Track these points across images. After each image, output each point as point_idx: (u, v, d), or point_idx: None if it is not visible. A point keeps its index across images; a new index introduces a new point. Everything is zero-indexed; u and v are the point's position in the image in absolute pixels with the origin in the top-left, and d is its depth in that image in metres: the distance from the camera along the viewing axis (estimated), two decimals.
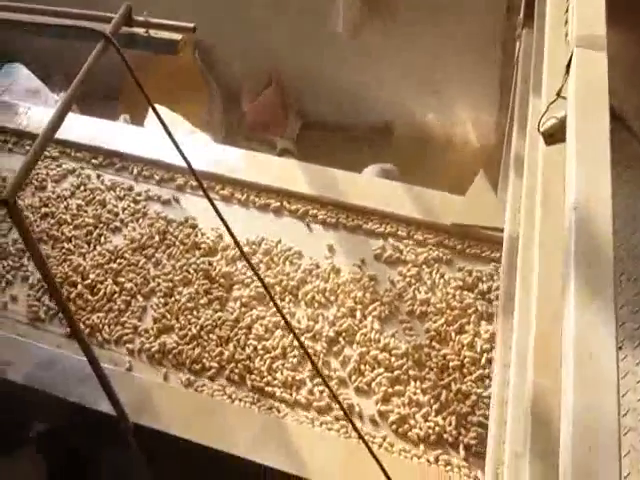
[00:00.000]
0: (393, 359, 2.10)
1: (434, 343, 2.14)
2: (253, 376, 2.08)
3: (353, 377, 2.10)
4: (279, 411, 2.02)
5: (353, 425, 1.62)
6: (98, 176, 2.70)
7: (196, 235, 2.47)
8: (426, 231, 2.41)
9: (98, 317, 2.23)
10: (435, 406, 2.01)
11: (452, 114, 4.06)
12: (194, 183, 2.54)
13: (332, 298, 2.27)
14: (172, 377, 2.13)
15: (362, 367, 2.09)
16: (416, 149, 4.09)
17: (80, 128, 2.79)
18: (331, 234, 2.43)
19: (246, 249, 2.38)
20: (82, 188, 2.66)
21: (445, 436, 1.96)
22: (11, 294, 2.33)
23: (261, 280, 1.61)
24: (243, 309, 2.22)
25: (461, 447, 1.95)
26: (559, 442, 1.03)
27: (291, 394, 2.06)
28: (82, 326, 2.20)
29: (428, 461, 1.90)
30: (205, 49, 4.19)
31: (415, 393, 2.03)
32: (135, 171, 2.69)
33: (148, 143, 2.73)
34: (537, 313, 1.31)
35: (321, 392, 2.05)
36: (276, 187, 2.57)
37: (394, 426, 1.99)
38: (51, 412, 2.30)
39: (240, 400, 2.05)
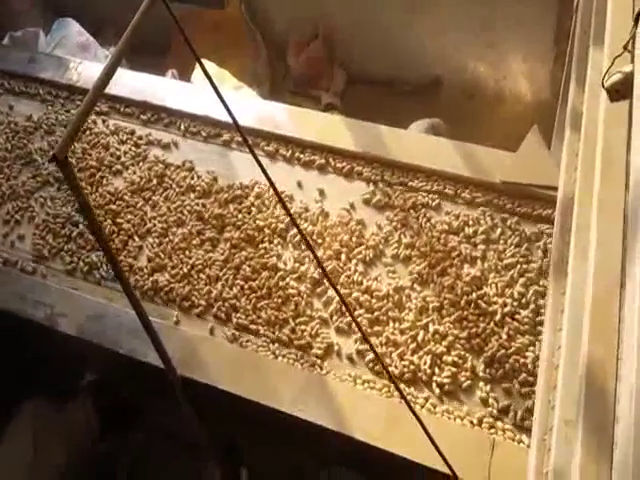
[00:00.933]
0: (374, 301, 2.15)
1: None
2: (239, 314, 2.17)
3: (334, 317, 2.16)
4: (321, 368, 2.04)
5: (396, 386, 1.62)
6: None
7: (192, 178, 2.55)
8: (474, 189, 2.35)
9: (97, 256, 2.32)
10: (412, 346, 2.06)
11: (505, 67, 3.96)
12: (240, 139, 2.53)
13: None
14: (217, 331, 2.17)
15: (344, 308, 2.14)
16: (466, 104, 4.02)
17: (129, 83, 2.78)
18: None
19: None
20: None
21: (419, 374, 2.01)
22: (18, 233, 2.44)
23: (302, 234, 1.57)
24: (233, 250, 2.28)
25: (434, 385, 2.00)
26: (612, 412, 1.00)
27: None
28: (81, 264, 2.33)
29: (471, 423, 1.91)
30: (251, 2, 4.11)
31: (393, 333, 2.08)
32: (182, 127, 2.68)
33: (195, 99, 2.71)
34: (594, 277, 1.26)
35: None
36: (320, 143, 2.53)
37: (370, 364, 2.05)
38: (102, 363, 2.40)
39: (284, 357, 2.09)
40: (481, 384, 1.99)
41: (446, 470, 1.44)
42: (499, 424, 1.88)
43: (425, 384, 2.02)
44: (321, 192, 2.46)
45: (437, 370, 2.02)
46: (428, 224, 2.32)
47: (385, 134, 2.53)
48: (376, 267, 2.28)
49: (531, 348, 2.02)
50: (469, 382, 1.99)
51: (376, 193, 2.42)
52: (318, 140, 2.55)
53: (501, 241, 2.26)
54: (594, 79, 1.67)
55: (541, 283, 2.15)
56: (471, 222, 2.31)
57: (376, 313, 2.15)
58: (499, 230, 2.28)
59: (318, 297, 2.24)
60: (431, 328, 2.10)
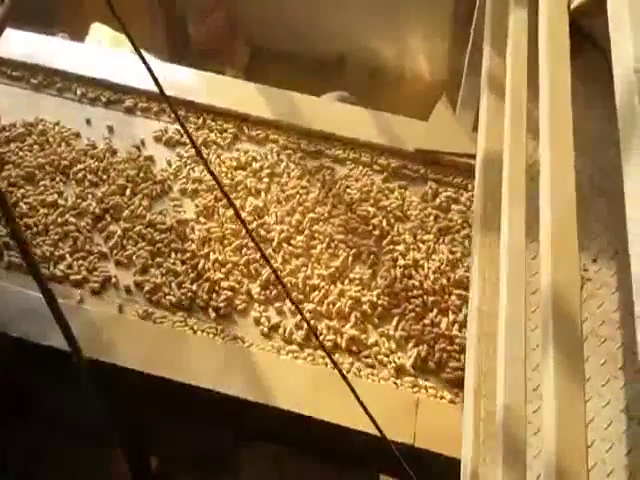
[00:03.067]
0: (156, 233, 2.14)
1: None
2: (12, 252, 2.11)
3: (114, 251, 2.13)
4: (243, 341, 1.97)
5: (326, 352, 1.58)
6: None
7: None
8: (390, 156, 2.36)
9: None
10: (192, 275, 2.07)
11: (405, 45, 3.93)
12: (144, 104, 2.41)
13: None
14: (127, 309, 2.04)
15: (124, 242, 2.12)
16: (369, 81, 3.96)
17: (17, 44, 2.56)
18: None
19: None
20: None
21: (197, 301, 2.03)
22: None
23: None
24: (10, 188, 2.23)
25: (210, 310, 2.02)
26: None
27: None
28: None
29: (395, 384, 1.91)
30: None
31: (174, 264, 2.09)
32: (79, 92, 2.50)
33: (92, 61, 2.55)
34: (553, 207, 1.26)
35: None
36: (234, 111, 2.45)
37: (148, 295, 2.04)
38: None
39: (203, 331, 2.00)
40: (255, 305, 2.04)
41: (374, 431, 1.44)
42: (421, 382, 1.89)
43: (202, 309, 2.03)
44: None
45: (214, 295, 2.04)
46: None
47: (300, 102, 2.47)
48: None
49: (303, 269, 2.10)
50: (244, 305, 2.04)
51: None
52: (231, 107, 2.46)
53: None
54: (518, 38, 1.70)
55: (316, 211, 2.22)
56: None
57: (158, 245, 2.13)
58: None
59: (99, 232, 2.17)
60: (212, 257, 2.11)
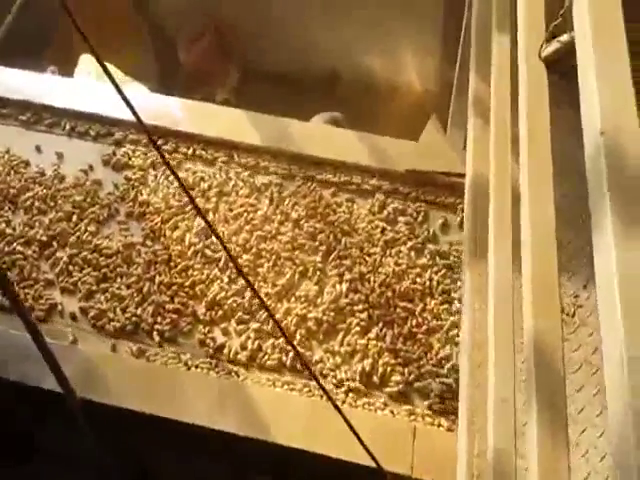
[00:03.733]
0: (102, 258, 2.15)
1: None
2: None
3: (60, 278, 2.14)
4: (238, 375, 1.97)
5: (318, 382, 1.58)
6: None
7: None
8: (380, 179, 2.35)
9: None
10: (137, 299, 2.09)
11: (396, 60, 3.93)
12: (133, 137, 2.44)
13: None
14: (120, 347, 2.04)
15: (70, 268, 2.14)
16: (362, 97, 3.96)
17: (5, 81, 2.62)
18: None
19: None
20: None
21: (142, 325, 2.05)
22: None
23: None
24: None
25: (155, 334, 2.04)
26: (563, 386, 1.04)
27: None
28: None
29: (392, 412, 1.90)
30: None
31: (119, 288, 2.10)
32: (68, 126, 2.54)
33: (81, 95, 2.59)
34: (533, 253, 1.22)
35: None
36: (224, 139, 2.45)
37: (93, 321, 2.05)
38: None
39: (197, 367, 1.99)
40: (200, 327, 2.05)
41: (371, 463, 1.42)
42: (418, 410, 1.88)
43: (147, 333, 2.05)
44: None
45: (159, 318, 2.05)
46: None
47: (290, 127, 2.49)
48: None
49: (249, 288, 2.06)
50: (189, 326, 2.05)
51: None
52: (221, 135, 2.47)
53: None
54: (502, 63, 1.68)
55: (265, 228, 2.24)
56: None
57: (103, 270, 2.15)
58: None
59: (45, 259, 2.19)
60: (157, 279, 2.12)
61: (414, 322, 2.09)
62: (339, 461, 1.76)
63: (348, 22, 3.82)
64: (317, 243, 2.22)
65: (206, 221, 1.82)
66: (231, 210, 2.28)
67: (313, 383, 1.88)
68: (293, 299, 2.11)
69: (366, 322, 2.08)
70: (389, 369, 1.99)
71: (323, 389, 1.51)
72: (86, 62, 3.50)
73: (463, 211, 2.15)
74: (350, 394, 1.91)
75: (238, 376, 1.92)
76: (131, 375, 1.92)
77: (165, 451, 2.12)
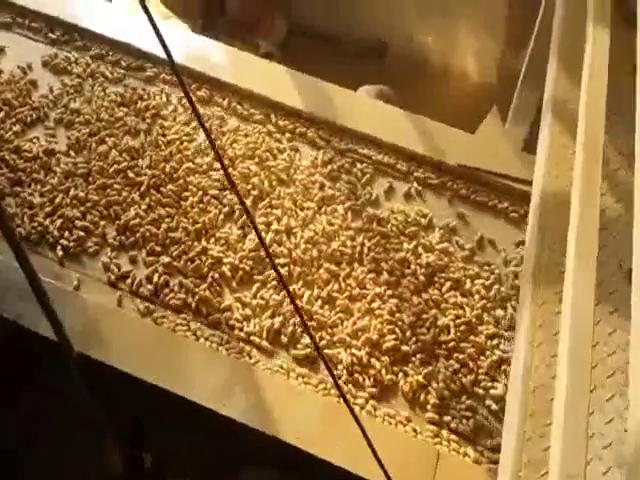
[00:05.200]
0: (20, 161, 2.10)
1: None
2: None
3: None
4: (250, 357, 1.81)
5: (336, 383, 1.52)
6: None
7: None
8: (428, 169, 2.18)
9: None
10: (47, 209, 2.03)
11: (454, 42, 3.74)
12: (167, 76, 2.31)
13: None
14: (127, 303, 1.90)
15: None
16: (411, 75, 3.78)
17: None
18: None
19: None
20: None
21: (47, 237, 1.99)
22: None
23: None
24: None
25: (59, 248, 1.95)
26: None
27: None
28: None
29: (414, 430, 1.73)
30: None
31: (31, 194, 2.05)
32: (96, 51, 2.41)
33: (116, 22, 2.45)
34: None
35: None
36: (262, 95, 2.30)
37: None
38: None
39: (206, 339, 1.84)
40: (108, 250, 1.93)
41: None
42: (444, 433, 1.71)
43: (50, 246, 1.93)
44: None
45: (66, 233, 1.95)
46: None
47: (335, 95, 2.32)
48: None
49: (168, 219, 1.99)
50: (96, 247, 1.94)
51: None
52: (260, 91, 2.31)
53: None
54: (599, 64, 1.50)
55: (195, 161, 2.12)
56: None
57: (19, 174, 2.05)
58: None
59: None
60: (72, 193, 2.01)
61: (335, 286, 1.94)
62: (350, 475, 1.61)
63: None
64: (249, 186, 2.09)
65: (222, 165, 1.84)
66: (165, 135, 2.20)
67: (331, 380, 1.70)
68: (212, 240, 1.98)
69: (285, 278, 1.93)
70: (299, 330, 1.85)
71: (343, 396, 1.42)
72: None
73: (505, 214, 2.09)
74: (371, 401, 1.74)
75: (250, 357, 1.78)
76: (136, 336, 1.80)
77: (162, 418, 1.97)
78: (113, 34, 2.39)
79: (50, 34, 2.38)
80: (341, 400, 1.67)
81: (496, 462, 1.44)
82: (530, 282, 1.45)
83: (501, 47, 3.58)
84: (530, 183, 1.74)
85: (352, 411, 1.29)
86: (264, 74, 2.33)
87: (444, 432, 1.71)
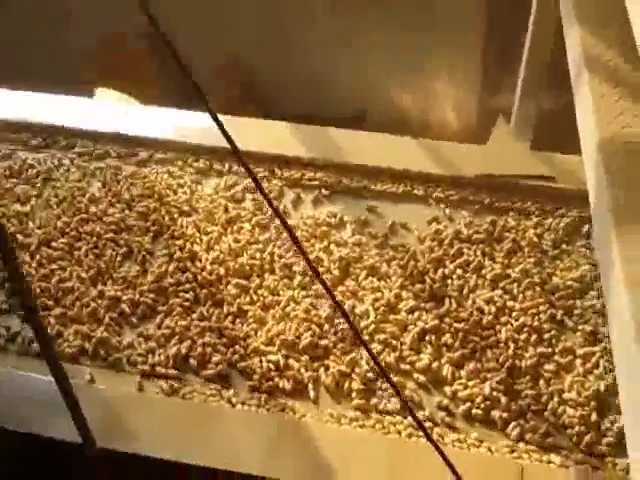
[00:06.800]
0: None
1: None
2: None
3: None
4: (294, 411, 1.67)
5: (413, 415, 1.41)
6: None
7: None
8: (447, 187, 2.12)
9: None
10: None
11: (430, 95, 3.72)
12: (159, 155, 2.26)
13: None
14: (148, 386, 1.75)
15: None
16: (392, 131, 3.75)
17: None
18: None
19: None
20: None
21: None
22: None
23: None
24: None
25: None
26: None
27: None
28: None
29: (490, 450, 1.59)
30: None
31: None
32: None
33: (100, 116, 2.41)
34: None
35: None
36: (263, 153, 2.24)
37: None
38: None
39: (243, 404, 1.69)
40: None
41: None
42: (521, 446, 1.57)
43: None
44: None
45: None
46: None
47: (336, 137, 2.29)
48: None
49: (59, 272, 1.93)
50: None
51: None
52: (259, 149, 2.23)
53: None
54: None
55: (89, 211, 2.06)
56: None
57: None
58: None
59: None
60: None
61: (247, 299, 1.85)
62: None
63: (376, 59, 3.66)
64: (149, 224, 2.04)
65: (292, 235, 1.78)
66: (56, 195, 2.15)
67: (389, 418, 1.63)
68: (110, 282, 1.91)
69: (191, 302, 1.85)
70: (209, 350, 1.76)
71: (419, 423, 1.36)
72: (102, 95, 3.46)
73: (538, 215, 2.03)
74: (436, 429, 1.61)
75: (294, 412, 1.64)
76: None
77: None
78: None
79: None
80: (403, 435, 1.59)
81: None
82: (612, 223, 1.27)
83: (477, 92, 3.53)
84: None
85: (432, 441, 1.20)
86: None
87: (520, 444, 1.58)
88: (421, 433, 1.58)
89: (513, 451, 1.57)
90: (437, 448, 1.18)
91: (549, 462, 1.55)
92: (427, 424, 1.63)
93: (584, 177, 1.37)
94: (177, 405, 1.68)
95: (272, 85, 3.87)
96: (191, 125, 2.30)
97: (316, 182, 2.16)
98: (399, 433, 1.61)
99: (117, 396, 1.69)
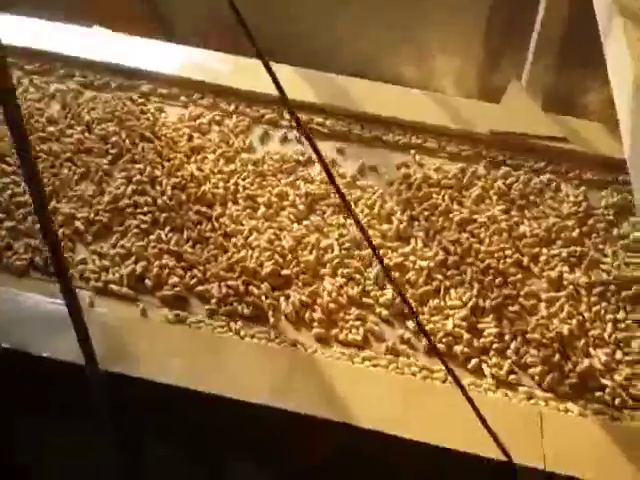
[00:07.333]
0: None
1: None
2: None
3: None
4: (305, 348, 1.58)
5: (439, 355, 1.39)
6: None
7: None
8: (460, 141, 2.07)
9: None
10: None
11: (429, 63, 3.68)
12: (163, 90, 2.15)
13: None
14: (152, 313, 1.65)
15: None
16: None
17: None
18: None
19: None
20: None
21: None
22: None
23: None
24: None
25: None
26: None
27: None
28: None
29: (506, 396, 1.53)
30: None
31: None
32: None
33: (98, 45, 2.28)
34: None
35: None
36: (272, 95, 2.05)
37: None
38: None
39: (252, 337, 1.59)
40: None
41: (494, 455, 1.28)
42: (538, 393, 1.52)
43: None
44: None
45: None
46: None
47: (350, 86, 2.21)
48: None
49: (11, 185, 1.87)
50: None
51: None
52: (268, 91, 2.08)
53: None
54: None
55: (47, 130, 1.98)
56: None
57: None
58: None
59: None
60: None
61: (208, 226, 1.79)
62: (452, 453, 1.39)
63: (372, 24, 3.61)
64: (108, 146, 1.96)
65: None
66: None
67: (402, 359, 1.57)
68: (65, 200, 1.83)
69: (149, 225, 1.79)
70: (166, 272, 1.69)
71: (445, 365, 1.33)
72: None
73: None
74: (401, 358, 1.56)
75: (306, 349, 1.56)
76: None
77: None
78: None
79: None
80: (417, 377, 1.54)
81: None
82: None
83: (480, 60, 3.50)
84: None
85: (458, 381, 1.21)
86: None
87: (537, 392, 1.54)
88: (435, 376, 1.55)
89: (530, 398, 1.53)
90: (462, 388, 1.21)
91: (567, 411, 1.50)
92: (388, 356, 1.59)
93: (594, 140, 1.36)
94: (183, 332, 1.60)
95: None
96: (166, 56, 2.25)
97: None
98: (414, 375, 1.55)
99: (119, 321, 1.60)
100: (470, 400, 1.21)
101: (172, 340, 1.57)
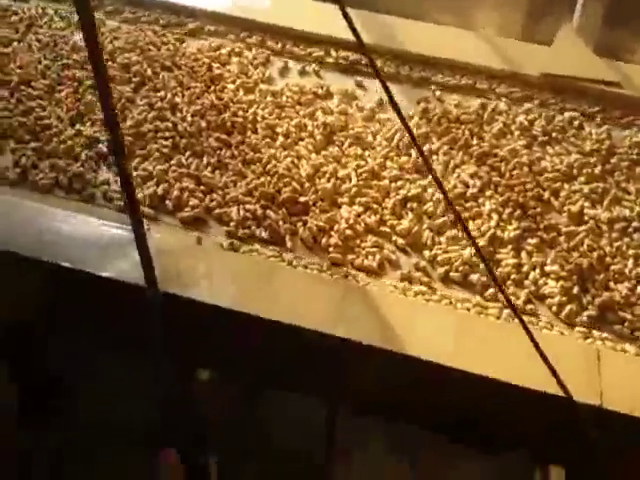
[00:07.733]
0: None
1: None
2: None
3: None
4: (358, 281, 1.56)
5: (501, 290, 1.38)
6: None
7: None
8: (510, 83, 2.06)
9: None
10: None
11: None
12: (211, 28, 2.16)
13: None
14: (206, 241, 1.64)
15: None
16: None
17: None
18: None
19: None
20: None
21: None
22: None
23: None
24: None
25: None
26: None
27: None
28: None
29: (562, 334, 1.52)
30: None
31: None
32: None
33: None
34: None
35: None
36: (318, 34, 2.13)
37: None
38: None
39: (305, 267, 1.59)
40: None
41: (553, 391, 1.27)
42: (595, 333, 1.51)
43: None
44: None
45: None
46: None
47: (397, 25, 2.17)
48: None
49: (38, 109, 1.88)
50: None
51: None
52: (315, 30, 2.14)
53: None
54: None
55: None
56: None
57: None
58: None
59: None
60: None
61: (227, 153, 1.80)
62: (508, 387, 1.37)
63: None
64: (130, 75, 1.98)
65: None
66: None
67: (456, 294, 1.56)
68: (88, 123, 1.85)
69: (169, 149, 1.80)
70: (186, 194, 1.70)
71: (508, 300, 1.34)
72: None
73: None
74: (506, 311, 1.51)
75: (357, 281, 1.54)
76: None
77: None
78: None
79: None
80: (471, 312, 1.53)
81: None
82: None
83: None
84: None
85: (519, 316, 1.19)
86: None
87: (595, 332, 1.52)
88: (489, 312, 1.54)
89: (587, 337, 1.51)
90: (522, 322, 1.18)
91: (624, 351, 1.49)
92: (403, 284, 1.58)
93: None
94: (238, 258, 1.60)
95: None
96: None
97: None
98: (468, 310, 1.54)
99: (176, 246, 1.60)
100: (530, 335, 1.18)
101: (228, 267, 1.57)
